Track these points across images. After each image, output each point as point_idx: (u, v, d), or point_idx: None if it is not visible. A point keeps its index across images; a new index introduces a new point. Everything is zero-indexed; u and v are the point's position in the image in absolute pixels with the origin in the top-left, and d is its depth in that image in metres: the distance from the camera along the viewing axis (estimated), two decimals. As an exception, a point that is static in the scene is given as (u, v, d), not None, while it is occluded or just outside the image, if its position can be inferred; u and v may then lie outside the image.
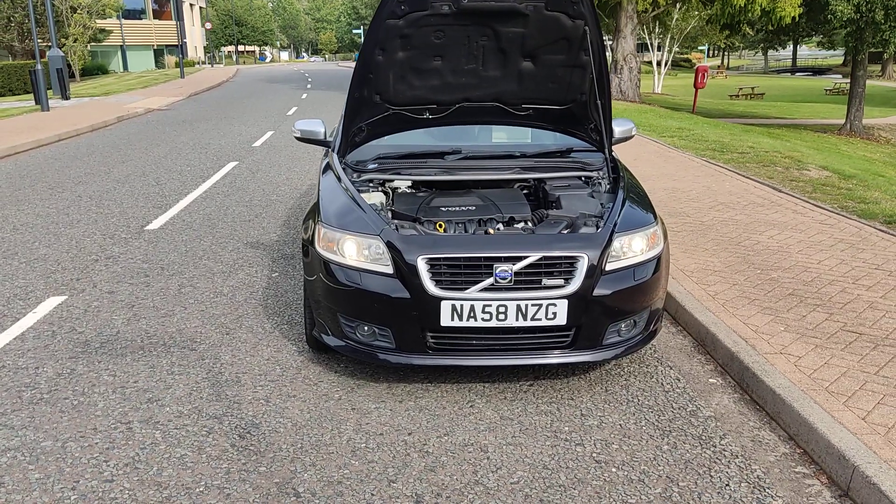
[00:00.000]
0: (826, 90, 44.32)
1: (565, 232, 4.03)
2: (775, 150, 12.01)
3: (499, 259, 3.73)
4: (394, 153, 4.81)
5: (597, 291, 3.81)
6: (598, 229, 3.96)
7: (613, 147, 4.99)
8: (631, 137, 5.31)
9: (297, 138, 5.23)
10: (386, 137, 4.86)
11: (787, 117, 28.11)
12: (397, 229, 3.90)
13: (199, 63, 65.67)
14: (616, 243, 3.92)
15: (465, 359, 3.88)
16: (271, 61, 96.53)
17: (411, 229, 3.93)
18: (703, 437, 3.58)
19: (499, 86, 4.55)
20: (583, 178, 4.67)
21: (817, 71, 71.08)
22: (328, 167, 4.73)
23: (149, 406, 3.85)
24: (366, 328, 3.92)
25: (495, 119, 4.85)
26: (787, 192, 8.49)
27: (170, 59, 56.67)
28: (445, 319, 3.74)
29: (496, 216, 4.17)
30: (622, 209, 4.14)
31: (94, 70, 44.14)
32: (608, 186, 4.59)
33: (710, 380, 4.22)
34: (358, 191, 4.34)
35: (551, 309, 3.75)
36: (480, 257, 3.73)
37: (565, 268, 3.79)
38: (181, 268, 6.21)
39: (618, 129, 5.09)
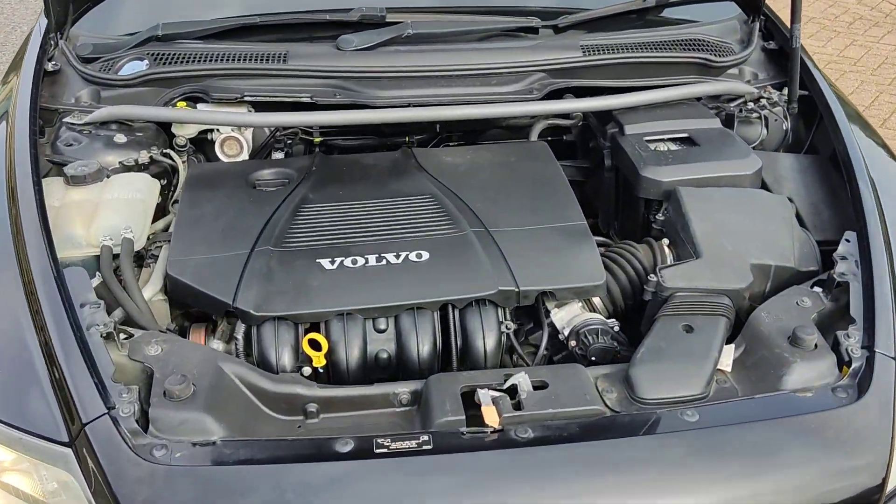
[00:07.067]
0: None
1: (727, 366, 1.19)
2: None
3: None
4: (207, 23, 1.72)
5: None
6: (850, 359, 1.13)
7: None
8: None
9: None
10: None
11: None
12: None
13: None
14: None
15: None
16: None
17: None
18: None
19: None
20: (723, 112, 1.69)
21: None
22: (13, 71, 1.76)
23: None
24: None
25: None
26: None
27: None
28: None
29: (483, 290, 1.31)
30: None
31: None
32: (787, 123, 1.68)
33: None
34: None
35: None
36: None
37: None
38: None
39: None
